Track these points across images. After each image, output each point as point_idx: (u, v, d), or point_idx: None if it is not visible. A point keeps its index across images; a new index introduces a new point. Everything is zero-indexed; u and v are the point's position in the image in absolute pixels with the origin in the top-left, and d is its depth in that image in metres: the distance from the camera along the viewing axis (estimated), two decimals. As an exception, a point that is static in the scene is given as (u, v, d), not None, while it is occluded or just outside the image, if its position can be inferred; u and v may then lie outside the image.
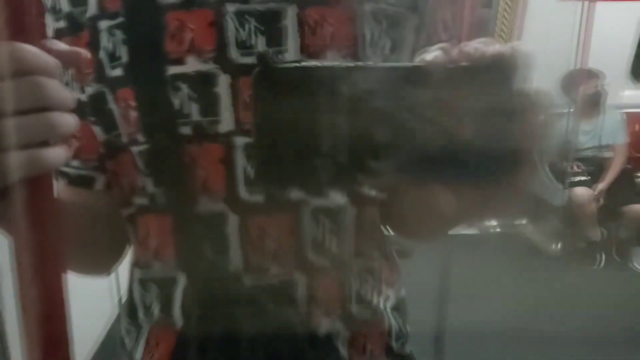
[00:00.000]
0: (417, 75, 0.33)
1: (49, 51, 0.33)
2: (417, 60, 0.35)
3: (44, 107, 0.31)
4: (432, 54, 0.34)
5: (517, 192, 0.37)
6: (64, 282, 0.33)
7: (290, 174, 0.35)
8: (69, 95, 0.33)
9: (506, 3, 3.25)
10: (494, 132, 0.33)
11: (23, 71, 0.30)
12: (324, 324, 0.55)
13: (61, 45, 0.34)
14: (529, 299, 2.73)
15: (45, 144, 0.32)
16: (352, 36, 0.50)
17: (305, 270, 0.53)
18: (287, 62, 0.42)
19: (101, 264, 0.61)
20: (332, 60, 0.49)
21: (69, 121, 0.33)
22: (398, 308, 0.63)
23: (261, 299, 0.52)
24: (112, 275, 2.00)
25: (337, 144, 0.34)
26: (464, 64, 0.34)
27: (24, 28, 0.31)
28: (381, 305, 0.60)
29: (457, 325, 2.15)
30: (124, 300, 0.64)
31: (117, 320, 2.21)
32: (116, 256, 0.60)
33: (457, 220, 0.47)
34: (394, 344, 0.61)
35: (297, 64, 0.34)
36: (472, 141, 0.33)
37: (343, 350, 0.56)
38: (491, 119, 0.33)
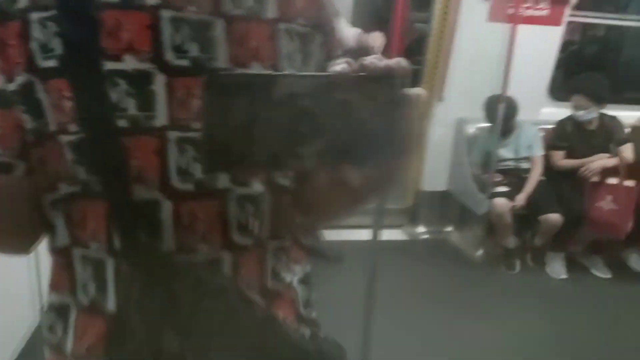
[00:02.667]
0: (330, 82, 0.44)
1: None
2: (330, 70, 0.45)
3: None
4: (339, 66, 0.44)
5: (398, 170, 0.49)
6: None
7: (234, 159, 0.43)
8: None
9: (438, 22, 3.41)
10: (383, 123, 0.44)
11: None
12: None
13: None
14: (453, 303, 2.88)
15: None
16: (272, 50, 0.57)
17: (230, 249, 0.59)
18: (230, 71, 0.52)
19: (16, 245, 0.63)
20: (257, 70, 0.56)
21: None
22: (305, 281, 0.71)
23: (191, 273, 0.57)
24: (35, 283, 1.93)
25: (271, 134, 0.42)
26: (362, 73, 0.44)
27: None
28: (290, 280, 0.67)
29: (384, 325, 2.25)
30: (45, 308, 0.66)
31: (38, 328, 2.15)
32: (32, 238, 0.63)
33: (357, 196, 0.57)
34: (303, 311, 0.69)
35: (240, 72, 0.44)
36: (368, 131, 0.43)
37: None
38: (381, 114, 0.43)
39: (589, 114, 3.23)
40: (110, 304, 0.58)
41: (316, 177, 0.60)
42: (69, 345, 0.61)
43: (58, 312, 0.63)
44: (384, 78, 0.43)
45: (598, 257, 3.38)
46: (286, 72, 0.56)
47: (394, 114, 0.44)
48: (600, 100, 3.22)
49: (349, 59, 0.45)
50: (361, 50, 2.80)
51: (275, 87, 0.42)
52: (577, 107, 3.25)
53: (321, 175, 0.58)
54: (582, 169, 3.22)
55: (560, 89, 3.78)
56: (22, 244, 0.63)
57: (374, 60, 0.44)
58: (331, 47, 0.64)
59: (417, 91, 0.46)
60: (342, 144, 0.43)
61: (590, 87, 3.23)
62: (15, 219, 0.58)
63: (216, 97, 0.41)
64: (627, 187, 3.10)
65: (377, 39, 2.89)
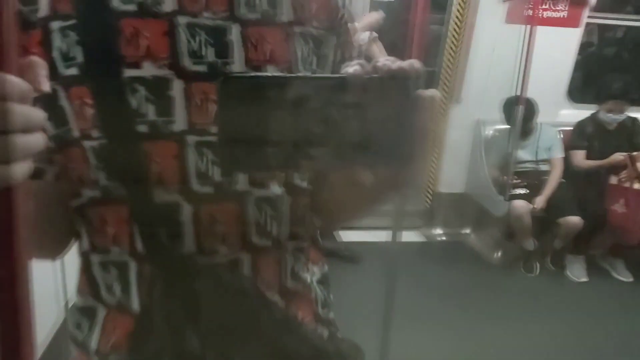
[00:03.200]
0: (342, 83, 0.43)
1: (21, 70, 0.35)
2: (342, 72, 0.44)
3: (10, 130, 0.34)
4: (352, 68, 0.44)
5: (413, 171, 0.49)
6: (27, 263, 0.36)
7: (248, 160, 0.44)
8: (37, 116, 0.36)
9: (455, 23, 3.41)
10: (397, 125, 0.44)
11: None
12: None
13: (35, 74, 0.37)
14: (471, 305, 2.86)
15: (7, 161, 0.34)
16: (287, 53, 0.58)
17: (250, 251, 0.60)
18: (244, 73, 0.53)
19: (51, 247, 0.64)
20: (272, 73, 0.57)
21: (35, 141, 0.36)
22: (323, 281, 0.72)
23: (212, 274, 0.58)
24: (59, 280, 1.93)
25: (284, 135, 0.42)
26: (375, 75, 0.44)
27: (2, 55, 0.33)
28: (309, 280, 0.68)
29: (401, 326, 2.24)
30: (70, 304, 0.67)
31: (63, 325, 2.18)
32: (66, 242, 0.64)
33: (372, 197, 0.57)
34: (320, 311, 0.70)
35: (254, 74, 0.43)
36: (381, 132, 0.43)
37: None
38: (394, 115, 0.43)
39: (620, 117, 3.23)
40: (135, 304, 0.59)
41: (331, 178, 0.61)
42: (94, 342, 0.63)
43: (83, 312, 0.64)
44: (396, 80, 0.43)
45: (619, 260, 3.33)
46: (299, 74, 0.57)
47: (407, 116, 0.44)
48: (633, 103, 3.23)
49: (362, 61, 0.45)
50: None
51: (288, 89, 0.42)
52: (611, 111, 3.23)
53: (335, 177, 0.59)
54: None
55: (579, 90, 3.76)
56: (54, 249, 0.64)
57: (387, 62, 0.44)
58: (345, 49, 0.65)
59: (432, 92, 0.46)
60: (355, 145, 0.43)
61: (628, 91, 3.23)
62: (49, 224, 0.60)
63: (230, 99, 0.42)
64: (638, 191, 3.08)
65: (372, 16, 2.95)
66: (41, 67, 0.37)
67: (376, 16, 2.96)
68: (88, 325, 0.64)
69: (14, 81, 0.34)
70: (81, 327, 0.64)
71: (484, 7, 3.36)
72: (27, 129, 0.36)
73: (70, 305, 0.68)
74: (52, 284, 1.98)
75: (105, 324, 0.62)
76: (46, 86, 0.38)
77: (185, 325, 0.56)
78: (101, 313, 0.62)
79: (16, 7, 0.34)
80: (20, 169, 0.35)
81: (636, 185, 3.08)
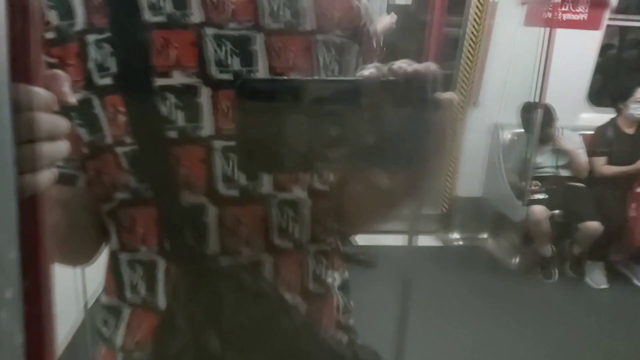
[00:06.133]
0: (358, 86, 0.43)
1: (46, 82, 0.36)
2: (358, 75, 0.44)
3: (37, 138, 0.35)
4: (368, 71, 0.44)
5: (429, 175, 0.49)
6: (51, 273, 0.36)
7: (264, 162, 0.45)
8: (60, 124, 0.37)
9: (473, 26, 3.39)
10: (413, 128, 0.44)
11: (19, 109, 0.33)
12: (287, 298, 0.62)
13: (59, 86, 0.38)
14: (488, 311, 2.83)
15: (34, 169, 0.34)
16: (309, 61, 0.60)
17: (271, 252, 0.61)
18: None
19: (82, 254, 0.66)
20: None
21: (60, 149, 0.37)
22: (343, 287, 0.72)
23: (234, 275, 0.59)
24: (79, 281, 1.96)
25: (300, 137, 0.43)
26: (391, 78, 0.44)
27: (28, 68, 0.33)
28: (330, 283, 0.69)
29: (418, 331, 2.23)
30: (90, 305, 0.68)
31: (83, 325, 2.21)
32: (97, 248, 0.65)
33: (390, 201, 0.57)
34: (341, 317, 0.71)
35: (270, 77, 0.44)
36: (398, 135, 0.43)
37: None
38: (411, 118, 0.43)
39: None
40: (161, 302, 0.61)
41: (349, 182, 0.61)
42: (120, 339, 0.64)
43: (109, 310, 0.66)
44: (412, 82, 0.43)
45: (640, 266, 3.27)
46: (315, 78, 0.58)
47: (424, 118, 0.44)
48: None
49: (378, 64, 0.45)
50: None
51: (305, 92, 0.42)
52: None
53: (354, 180, 0.60)
54: None
55: (599, 93, 3.70)
56: (86, 255, 0.66)
57: (403, 64, 0.44)
58: (367, 56, 0.66)
59: (449, 95, 0.45)
60: (371, 148, 0.43)
61: None
62: (80, 230, 0.61)
63: (248, 102, 0.42)
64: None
65: (385, 20, 2.96)
66: (64, 80, 0.38)
67: (389, 19, 2.96)
68: (114, 322, 0.65)
69: (39, 92, 0.35)
70: (107, 324, 0.66)
71: (502, 10, 3.33)
72: (52, 137, 0.37)
73: (90, 305, 0.70)
74: (72, 285, 2.01)
75: (130, 322, 0.64)
76: (71, 98, 0.38)
77: (206, 325, 0.57)
78: (126, 312, 0.64)
79: (41, 24, 0.34)
80: (46, 177, 0.36)
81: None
